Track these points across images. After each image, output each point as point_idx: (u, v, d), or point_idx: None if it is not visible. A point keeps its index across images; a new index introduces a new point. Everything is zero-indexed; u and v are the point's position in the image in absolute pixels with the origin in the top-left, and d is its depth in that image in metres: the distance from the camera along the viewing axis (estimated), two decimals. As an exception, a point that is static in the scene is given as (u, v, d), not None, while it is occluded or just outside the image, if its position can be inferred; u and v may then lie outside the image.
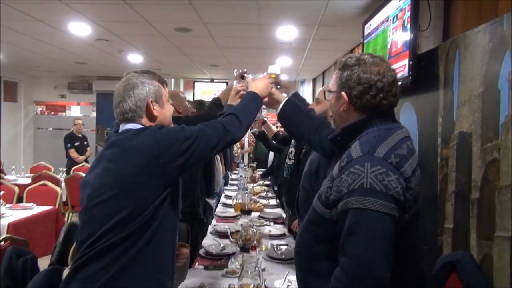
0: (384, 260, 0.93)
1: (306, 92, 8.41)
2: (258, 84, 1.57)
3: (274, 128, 3.92)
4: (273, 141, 3.92)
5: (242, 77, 1.77)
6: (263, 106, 1.62)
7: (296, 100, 1.65)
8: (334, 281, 0.97)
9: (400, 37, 2.30)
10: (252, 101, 1.51)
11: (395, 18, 2.39)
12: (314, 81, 8.04)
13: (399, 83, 2.13)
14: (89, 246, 1.16)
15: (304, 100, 1.85)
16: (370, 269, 0.92)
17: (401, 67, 2.24)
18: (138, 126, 1.27)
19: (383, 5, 2.59)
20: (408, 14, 2.20)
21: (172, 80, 8.88)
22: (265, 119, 3.74)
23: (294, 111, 1.53)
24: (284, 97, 1.60)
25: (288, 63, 6.29)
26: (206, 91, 8.41)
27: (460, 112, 1.74)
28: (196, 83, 8.51)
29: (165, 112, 1.34)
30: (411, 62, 2.16)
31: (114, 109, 1.30)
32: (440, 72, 1.95)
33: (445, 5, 2.18)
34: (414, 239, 1.11)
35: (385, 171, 0.96)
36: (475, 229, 1.59)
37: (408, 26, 2.18)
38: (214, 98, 2.26)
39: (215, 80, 8.57)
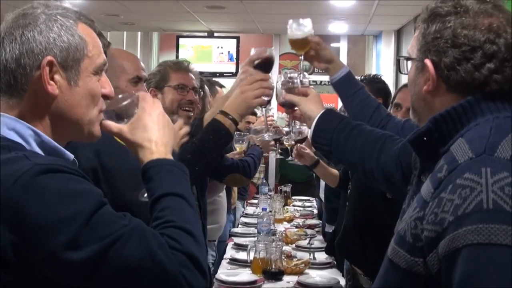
0: None
1: (384, 54, 8.46)
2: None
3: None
4: None
5: (260, 64, 2.07)
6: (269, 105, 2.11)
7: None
8: None
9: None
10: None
11: None
12: (399, 34, 8.15)
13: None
14: None
15: (359, 86, 2.11)
16: None
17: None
18: (26, 127, 1.20)
19: None
20: None
21: (139, 33, 9.22)
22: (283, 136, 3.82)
23: (336, 126, 1.78)
24: (316, 108, 1.82)
25: (349, 4, 6.49)
26: (203, 53, 8.05)
27: None
28: (181, 39, 8.52)
29: (77, 96, 1.23)
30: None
31: None
32: None
33: None
34: None
35: None
36: None
37: None
38: (214, 118, 2.25)
39: (216, 35, 8.68)
